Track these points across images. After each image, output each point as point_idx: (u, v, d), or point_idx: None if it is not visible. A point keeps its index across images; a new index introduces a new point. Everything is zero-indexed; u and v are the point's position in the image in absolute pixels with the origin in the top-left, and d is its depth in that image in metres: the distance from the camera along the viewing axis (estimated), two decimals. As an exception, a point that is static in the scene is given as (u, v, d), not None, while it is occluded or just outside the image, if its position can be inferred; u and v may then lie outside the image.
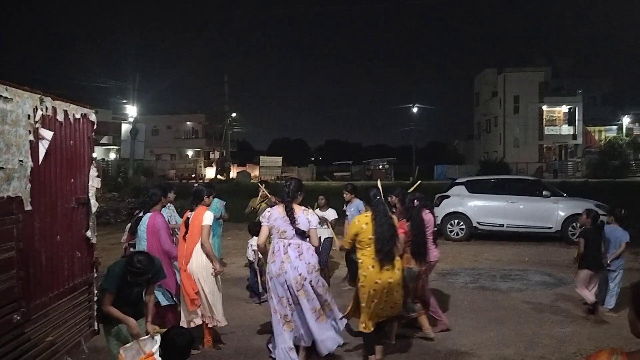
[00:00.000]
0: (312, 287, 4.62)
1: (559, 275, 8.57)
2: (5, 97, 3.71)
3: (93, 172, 5.20)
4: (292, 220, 4.65)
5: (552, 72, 50.30)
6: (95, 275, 5.42)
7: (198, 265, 5.04)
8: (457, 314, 6.42)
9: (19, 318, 3.82)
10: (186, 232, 5.17)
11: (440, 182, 27.15)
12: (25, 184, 3.92)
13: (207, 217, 5.10)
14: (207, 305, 5.11)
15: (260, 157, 54.40)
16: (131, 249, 5.73)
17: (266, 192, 8.08)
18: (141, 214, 5.26)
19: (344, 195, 7.80)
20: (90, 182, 5.14)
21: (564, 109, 48.21)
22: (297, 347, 4.73)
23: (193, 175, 46.64)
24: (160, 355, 3.22)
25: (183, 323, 5.05)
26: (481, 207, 12.44)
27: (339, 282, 8.06)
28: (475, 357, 5.11)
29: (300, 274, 4.57)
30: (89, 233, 5.12)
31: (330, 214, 7.68)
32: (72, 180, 4.78)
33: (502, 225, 12.18)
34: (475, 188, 12.84)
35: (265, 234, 4.78)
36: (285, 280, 4.57)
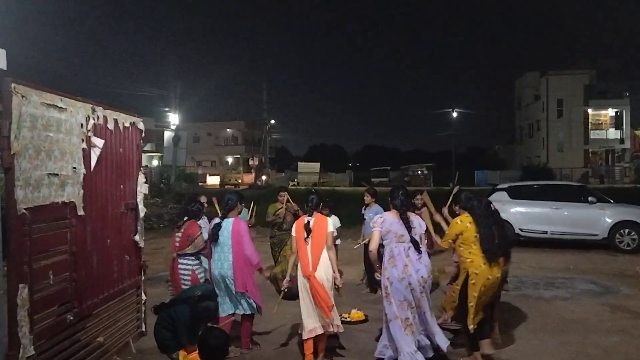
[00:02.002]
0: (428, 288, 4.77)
1: (606, 284, 8.31)
2: (60, 107, 3.90)
3: (141, 178, 5.39)
4: (409, 226, 4.71)
5: (597, 75, 48.71)
6: (143, 278, 5.61)
7: (325, 272, 4.88)
8: (499, 322, 6.29)
9: (72, 318, 4.00)
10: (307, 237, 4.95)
11: (481, 188, 26.66)
12: (78, 189, 4.10)
13: (332, 224, 5.06)
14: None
15: (298, 163, 54.80)
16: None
17: (287, 197, 7.77)
18: (218, 220, 5.13)
19: (365, 197, 7.78)
20: (138, 188, 5.34)
21: (611, 112, 46.62)
22: None
23: (239, 181, 48.37)
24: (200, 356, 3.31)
25: (304, 332, 4.85)
26: (524, 214, 12.16)
27: (355, 287, 7.99)
28: (518, 366, 5.02)
29: (422, 277, 4.63)
30: (137, 237, 5.31)
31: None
32: (121, 186, 4.98)
33: (546, 232, 11.88)
34: (517, 194, 12.55)
35: (378, 239, 4.79)
36: (410, 283, 4.58)
